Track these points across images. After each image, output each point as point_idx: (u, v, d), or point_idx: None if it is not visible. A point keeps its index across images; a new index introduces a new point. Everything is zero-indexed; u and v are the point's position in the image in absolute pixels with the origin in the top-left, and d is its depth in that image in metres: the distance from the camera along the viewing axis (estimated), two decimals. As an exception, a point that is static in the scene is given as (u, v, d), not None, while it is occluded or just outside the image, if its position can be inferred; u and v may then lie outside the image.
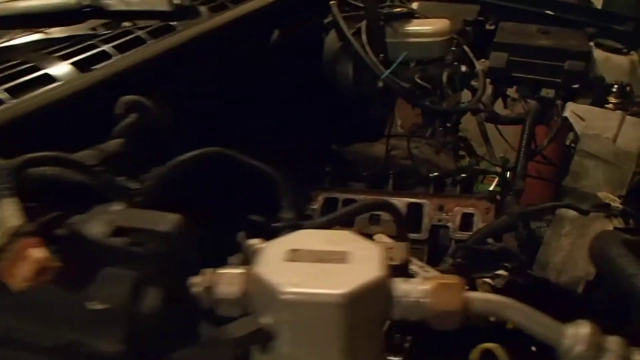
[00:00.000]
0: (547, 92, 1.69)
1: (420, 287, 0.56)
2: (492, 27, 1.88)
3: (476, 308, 0.55)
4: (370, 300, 0.51)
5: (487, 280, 1.06)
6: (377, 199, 1.22)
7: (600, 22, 1.80)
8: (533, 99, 1.71)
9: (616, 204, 1.41)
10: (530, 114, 1.62)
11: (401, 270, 0.79)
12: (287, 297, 0.49)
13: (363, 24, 1.46)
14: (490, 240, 1.15)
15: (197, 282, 0.54)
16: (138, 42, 1.02)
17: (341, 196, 1.37)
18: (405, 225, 0.85)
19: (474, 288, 1.07)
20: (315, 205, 1.36)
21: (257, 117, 1.28)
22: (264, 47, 1.34)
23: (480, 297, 0.57)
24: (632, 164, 1.41)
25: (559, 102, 1.69)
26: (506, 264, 1.11)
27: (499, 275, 1.06)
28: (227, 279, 0.54)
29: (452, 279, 0.57)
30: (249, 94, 1.24)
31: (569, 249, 1.42)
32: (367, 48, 1.42)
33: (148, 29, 1.04)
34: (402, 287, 0.56)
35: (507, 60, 1.68)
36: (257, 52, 1.33)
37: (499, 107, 1.77)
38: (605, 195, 1.43)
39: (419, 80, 1.50)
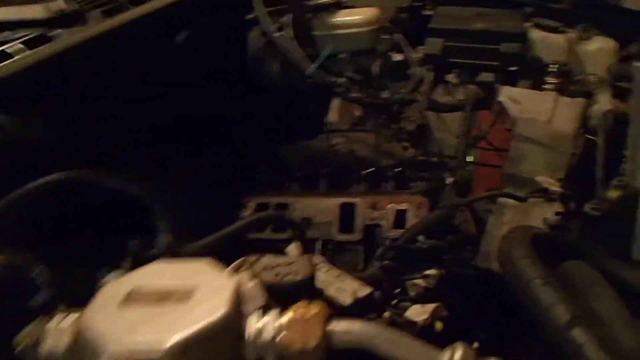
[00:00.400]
0: (486, 77, 1.65)
1: (274, 323, 0.50)
2: (431, 13, 1.84)
3: (338, 341, 0.50)
4: (209, 346, 0.46)
5: (417, 281, 1.01)
6: (265, 213, 1.16)
7: (537, 1, 1.76)
8: (473, 84, 1.68)
9: (555, 187, 1.39)
10: (470, 100, 1.58)
11: (305, 285, 0.74)
12: (109, 354, 0.43)
13: (287, 18, 1.40)
14: (421, 237, 1.10)
15: (22, 337, 0.48)
16: (5, 56, 0.94)
17: (274, 201, 1.31)
18: (304, 235, 0.79)
19: (404, 291, 1.03)
20: (247, 212, 1.30)
21: (168, 118, 1.22)
22: (177, 47, 1.27)
23: (343, 329, 0.52)
24: (569, 146, 1.38)
25: (499, 85, 1.66)
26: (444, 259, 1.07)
27: (429, 276, 1.01)
28: (54, 333, 0.48)
29: (313, 309, 0.52)
30: (157, 95, 1.17)
31: (511, 237, 1.39)
32: (293, 43, 1.36)
33: (22, 40, 0.96)
34: (254, 324, 0.50)
35: (443, 46, 1.63)
36: (167, 53, 1.26)
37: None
38: (544, 180, 1.40)
39: (349, 73, 1.45)
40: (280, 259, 0.76)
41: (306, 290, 0.73)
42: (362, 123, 1.65)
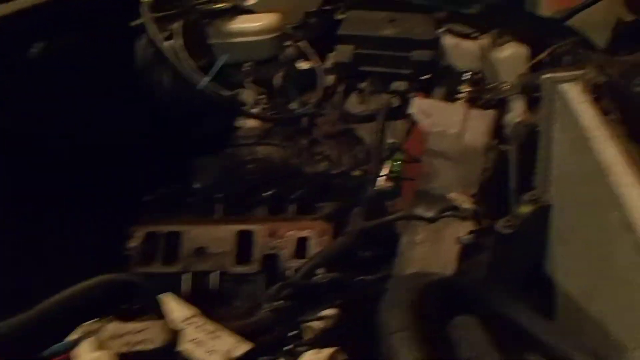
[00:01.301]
0: (399, 85, 1.57)
1: None
2: (344, 17, 1.75)
3: None
4: None
5: (314, 323, 0.91)
6: (87, 283, 0.99)
7: (450, 6, 1.70)
8: (386, 93, 1.60)
9: (467, 204, 1.33)
10: (382, 111, 1.50)
11: (163, 354, 0.62)
12: None
13: (178, 25, 1.26)
14: (321, 270, 1.00)
15: None
16: None
17: (164, 229, 1.18)
18: (157, 301, 0.67)
19: (299, 334, 0.92)
20: (134, 243, 1.16)
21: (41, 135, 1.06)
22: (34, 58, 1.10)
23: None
24: (480, 160, 1.33)
25: (412, 94, 1.59)
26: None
27: (325, 317, 0.91)
28: None
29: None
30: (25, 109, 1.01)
31: (424, 258, 1.32)
32: (183, 53, 1.22)
33: None
34: None
35: (353, 53, 1.55)
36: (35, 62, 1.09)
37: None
38: (456, 196, 1.33)
39: (249, 84, 1.33)
40: (130, 325, 0.63)
41: (165, 358, 0.60)
42: (269, 136, 1.54)
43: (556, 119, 1.25)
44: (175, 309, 0.74)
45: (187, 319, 0.73)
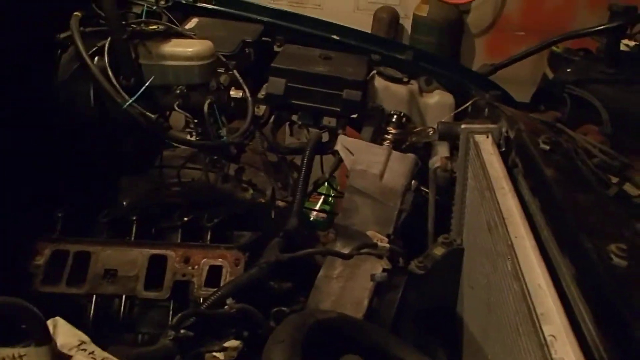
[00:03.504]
0: (328, 121, 1.61)
1: None
2: (281, 49, 1.78)
3: None
4: None
5: (217, 354, 0.90)
6: None
7: (383, 50, 1.78)
8: (316, 128, 1.63)
9: (383, 243, 1.36)
10: (310, 144, 1.53)
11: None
12: None
13: (106, 42, 1.24)
14: (229, 300, 1.00)
15: None
16: None
17: (73, 248, 1.14)
18: (42, 325, 0.65)
19: (203, 365, 0.91)
20: (40, 260, 1.12)
21: None
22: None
23: None
24: (397, 201, 1.37)
25: (341, 131, 1.63)
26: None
27: (227, 348, 0.91)
28: None
29: None
30: None
31: (338, 293, 1.34)
32: (108, 71, 1.21)
33: None
34: None
35: (285, 86, 1.57)
36: None
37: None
38: (373, 235, 1.37)
39: (177, 109, 1.32)
40: (5, 351, 0.60)
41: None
42: (196, 160, 1.53)
43: (470, 168, 1.32)
44: (65, 334, 0.71)
45: (77, 345, 0.71)
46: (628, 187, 1.37)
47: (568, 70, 2.06)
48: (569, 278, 0.82)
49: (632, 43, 1.97)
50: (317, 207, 2.66)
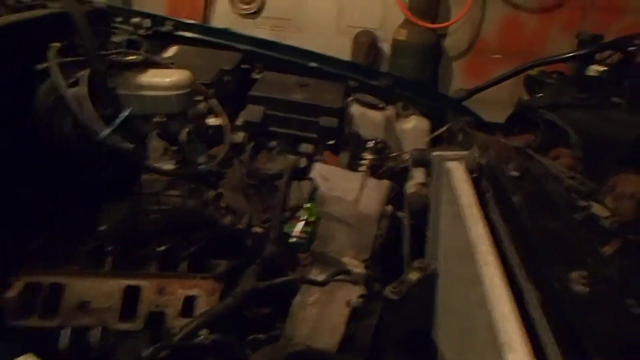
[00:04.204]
0: (306, 148, 1.64)
1: None
2: (259, 77, 1.81)
3: None
4: None
5: (190, 385, 0.91)
6: None
7: (360, 77, 1.81)
8: (293, 154, 1.66)
9: (360, 269, 1.37)
10: (287, 171, 1.55)
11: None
12: None
13: (84, 73, 1.25)
14: (204, 331, 1.00)
15: None
16: None
17: (46, 280, 1.13)
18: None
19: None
20: (12, 293, 1.11)
21: None
22: None
23: None
24: (373, 227, 1.39)
25: (318, 157, 1.65)
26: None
27: (201, 379, 0.91)
28: None
29: None
30: None
31: (315, 320, 1.35)
32: (86, 102, 1.22)
33: None
34: None
35: (263, 114, 1.60)
36: None
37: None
38: (349, 261, 1.38)
39: (156, 137, 1.34)
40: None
41: None
42: (174, 187, 1.53)
43: (443, 194, 1.35)
44: (35, 371, 0.71)
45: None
46: (597, 209, 1.41)
47: (541, 95, 2.11)
48: (534, 305, 0.84)
49: (601, 68, 2.03)
50: (298, 230, 2.68)
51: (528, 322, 0.82)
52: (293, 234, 2.35)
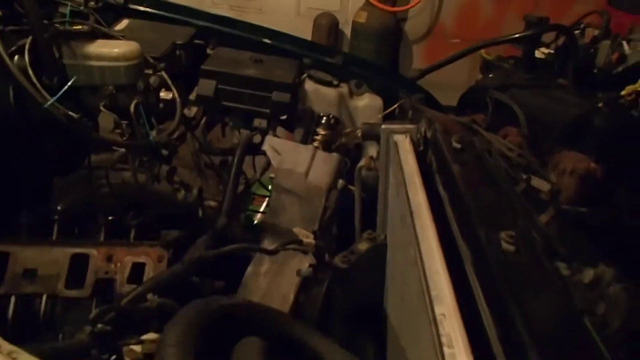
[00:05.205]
0: (259, 123, 1.65)
1: None
2: (213, 52, 1.81)
3: None
4: None
5: (134, 347, 0.92)
6: None
7: (314, 54, 1.83)
8: (246, 129, 1.67)
9: (309, 239, 1.40)
10: (240, 146, 1.55)
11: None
12: None
13: (27, 41, 1.23)
14: (150, 296, 1.02)
15: None
16: None
17: (-10, 249, 1.12)
18: None
19: (121, 357, 0.93)
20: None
21: None
22: None
23: None
24: (322, 199, 1.42)
25: (271, 132, 1.66)
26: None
27: (145, 341, 0.92)
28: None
29: None
30: None
31: (266, 289, 1.37)
32: (29, 70, 1.20)
33: None
34: None
35: (216, 88, 1.60)
36: None
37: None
38: (299, 231, 1.41)
39: (104, 109, 1.33)
40: None
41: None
42: (126, 161, 1.53)
43: (391, 166, 1.39)
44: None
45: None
46: (537, 183, 1.47)
47: (490, 75, 2.18)
48: (467, 264, 0.88)
49: (547, 51, 2.11)
50: (261, 210, 2.69)
51: (461, 280, 0.86)
52: (256, 214, 2.37)
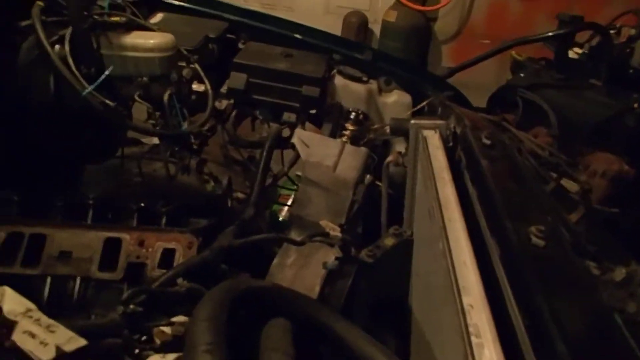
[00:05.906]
0: (288, 116, 1.66)
1: None
2: (244, 46, 1.83)
3: None
4: None
5: (164, 329, 0.94)
6: None
7: (344, 50, 1.84)
8: (276, 123, 1.68)
9: (336, 232, 1.41)
10: (269, 138, 1.57)
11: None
12: None
13: (67, 32, 1.27)
14: (180, 280, 1.04)
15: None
16: None
17: (28, 230, 1.16)
18: None
19: (150, 338, 0.95)
20: (-5, 242, 1.14)
21: None
22: None
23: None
24: (350, 192, 1.43)
25: (300, 126, 1.68)
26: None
27: (174, 323, 0.94)
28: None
29: None
30: None
31: (291, 280, 1.39)
32: (69, 59, 1.24)
33: None
34: None
35: (247, 81, 1.62)
36: None
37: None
38: (326, 224, 1.42)
39: (138, 99, 1.36)
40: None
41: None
42: (157, 151, 1.56)
43: (419, 162, 1.39)
44: (11, 301, 0.74)
45: (23, 312, 0.74)
46: (567, 184, 1.45)
47: (521, 75, 2.16)
48: (495, 257, 0.88)
49: (580, 51, 2.08)
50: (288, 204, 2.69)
51: (488, 272, 0.86)
52: (282, 211, 2.38)
